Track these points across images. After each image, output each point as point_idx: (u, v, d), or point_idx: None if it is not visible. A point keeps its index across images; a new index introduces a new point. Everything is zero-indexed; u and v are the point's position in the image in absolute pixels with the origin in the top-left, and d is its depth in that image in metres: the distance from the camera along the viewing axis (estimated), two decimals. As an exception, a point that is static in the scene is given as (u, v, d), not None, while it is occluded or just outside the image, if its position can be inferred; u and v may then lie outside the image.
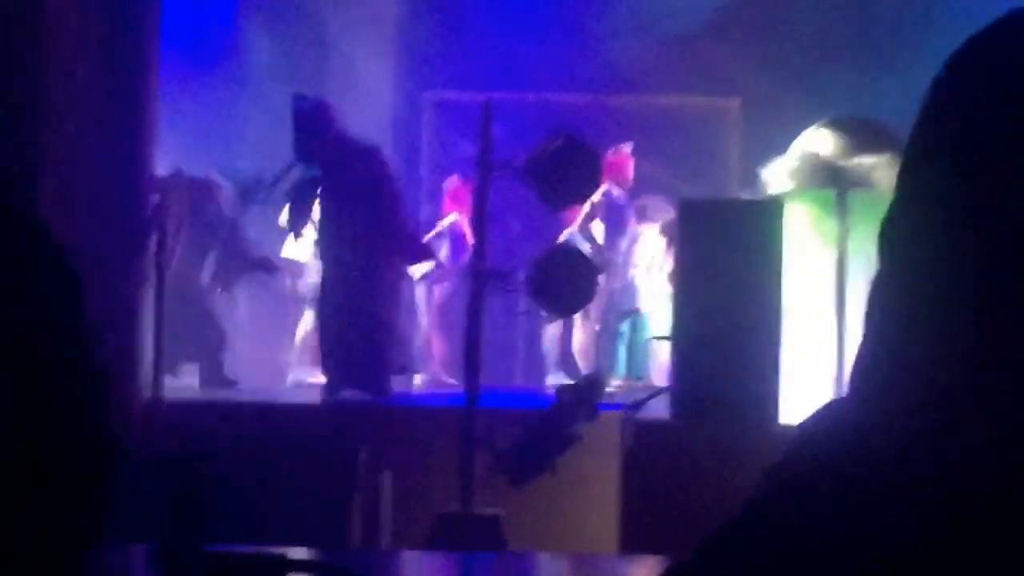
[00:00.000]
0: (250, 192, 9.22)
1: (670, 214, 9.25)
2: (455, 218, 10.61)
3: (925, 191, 0.87)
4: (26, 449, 1.28)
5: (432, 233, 10.64)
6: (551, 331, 10.42)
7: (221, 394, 8.65)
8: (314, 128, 8.34)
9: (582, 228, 10.20)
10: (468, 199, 10.47)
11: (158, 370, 7.18)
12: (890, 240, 0.89)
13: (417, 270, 10.29)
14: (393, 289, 8.59)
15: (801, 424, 0.93)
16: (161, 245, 7.30)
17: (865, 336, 0.90)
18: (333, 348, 8.36)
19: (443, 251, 10.55)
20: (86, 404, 1.38)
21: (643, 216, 10.33)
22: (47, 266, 1.36)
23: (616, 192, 10.15)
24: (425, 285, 10.66)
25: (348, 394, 8.23)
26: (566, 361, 10.11)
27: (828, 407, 0.93)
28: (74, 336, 1.35)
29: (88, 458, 1.35)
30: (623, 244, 10.32)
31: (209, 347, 9.26)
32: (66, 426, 1.33)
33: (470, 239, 10.34)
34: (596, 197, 9.94)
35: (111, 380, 1.40)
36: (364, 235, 8.27)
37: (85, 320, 1.37)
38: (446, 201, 10.84)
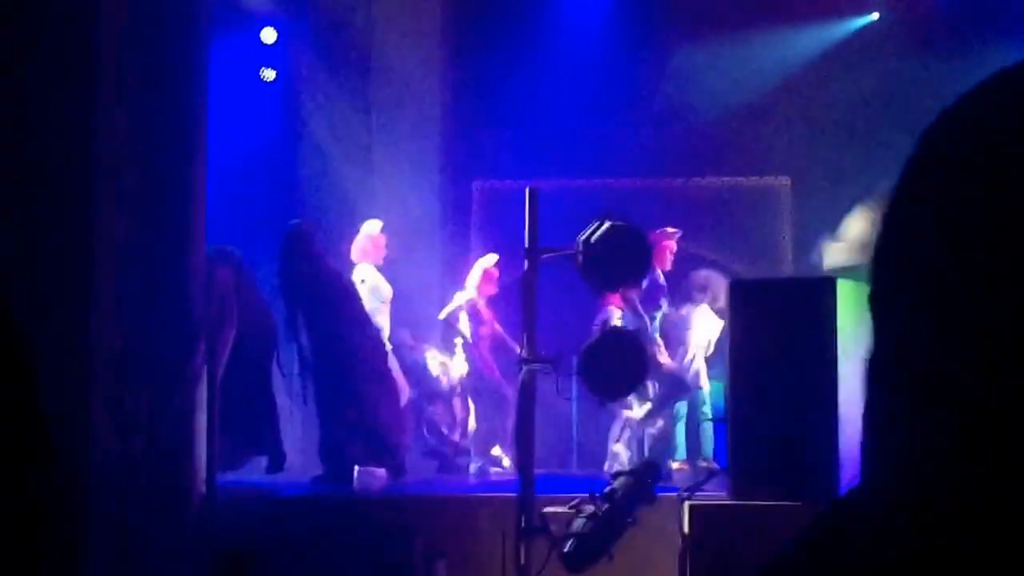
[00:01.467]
0: None
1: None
2: (472, 296, 10.47)
3: (916, 252, 0.82)
4: None
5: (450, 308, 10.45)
6: (608, 415, 10.31)
7: (275, 486, 8.61)
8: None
9: (631, 306, 10.08)
10: (489, 282, 10.44)
11: (212, 465, 7.18)
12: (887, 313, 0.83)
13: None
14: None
15: (817, 515, 0.89)
16: (212, 346, 7.34)
17: (879, 419, 0.85)
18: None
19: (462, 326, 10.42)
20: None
21: (703, 289, 10.18)
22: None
23: (657, 274, 10.04)
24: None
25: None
26: (622, 444, 10.00)
27: (845, 498, 0.90)
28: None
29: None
30: (663, 324, 10.21)
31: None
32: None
33: (486, 317, 10.30)
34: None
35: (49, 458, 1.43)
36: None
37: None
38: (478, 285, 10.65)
